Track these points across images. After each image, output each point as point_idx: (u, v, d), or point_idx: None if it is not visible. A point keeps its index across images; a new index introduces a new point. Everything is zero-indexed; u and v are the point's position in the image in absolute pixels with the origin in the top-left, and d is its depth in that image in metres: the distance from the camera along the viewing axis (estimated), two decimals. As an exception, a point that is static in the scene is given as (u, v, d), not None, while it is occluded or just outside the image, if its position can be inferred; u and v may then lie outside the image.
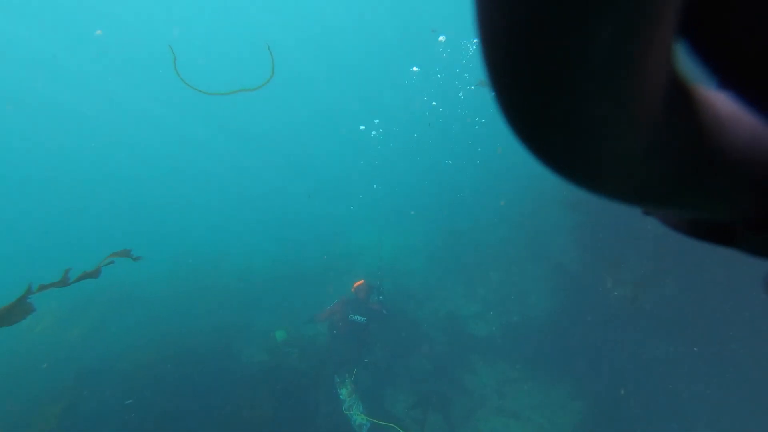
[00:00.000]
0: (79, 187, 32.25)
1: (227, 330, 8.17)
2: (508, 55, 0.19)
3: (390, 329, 8.24)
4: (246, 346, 7.88)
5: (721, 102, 0.28)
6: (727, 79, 0.28)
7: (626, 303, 5.71)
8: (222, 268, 11.37)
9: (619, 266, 6.17)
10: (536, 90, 0.20)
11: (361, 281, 6.82)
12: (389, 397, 7.15)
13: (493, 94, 0.24)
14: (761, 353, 4.96)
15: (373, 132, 32.83)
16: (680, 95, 0.25)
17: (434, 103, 28.65)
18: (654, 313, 5.65)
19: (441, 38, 22.44)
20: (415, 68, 29.10)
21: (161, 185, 34.20)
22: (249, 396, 6.09)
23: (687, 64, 0.28)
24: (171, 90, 26.60)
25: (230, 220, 22.53)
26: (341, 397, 6.44)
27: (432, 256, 12.01)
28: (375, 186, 31.29)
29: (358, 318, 6.50)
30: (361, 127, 32.50)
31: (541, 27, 0.18)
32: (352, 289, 6.77)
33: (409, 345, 8.21)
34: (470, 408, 6.73)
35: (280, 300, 9.82)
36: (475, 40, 18.10)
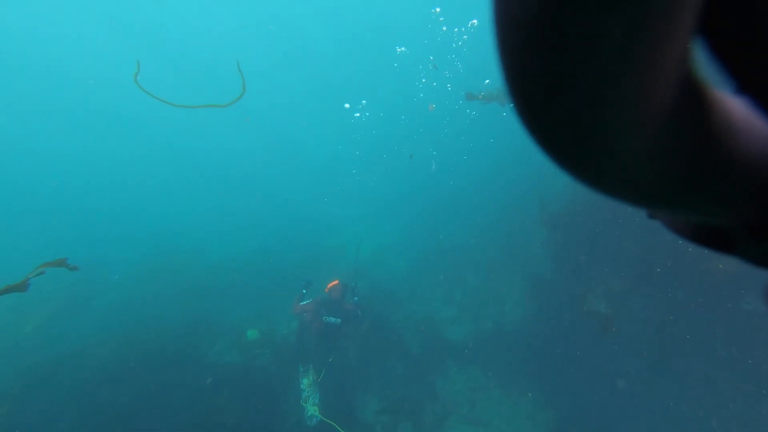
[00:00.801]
0: (49, 185, 30.52)
1: (196, 327, 7.89)
2: (520, 50, 0.20)
3: (364, 331, 8.16)
4: (215, 346, 7.63)
5: (735, 107, 0.28)
6: (745, 84, 0.27)
7: (598, 328, 5.75)
8: (196, 265, 10.97)
9: (594, 282, 6.25)
10: (547, 86, 0.21)
11: (336, 281, 6.60)
12: (360, 401, 7.08)
13: (506, 90, 0.23)
14: (731, 372, 5.12)
15: (357, 114, 30.84)
16: (693, 97, 0.25)
17: (424, 80, 27.54)
18: (626, 329, 5.74)
19: (436, 10, 21.68)
20: (402, 48, 27.55)
21: (136, 182, 32.39)
22: (214, 400, 5.88)
23: (704, 66, 0.26)
24: (147, 85, 25.43)
25: (206, 214, 21.61)
26: (301, 386, 6.36)
27: (412, 258, 11.97)
28: (354, 171, 30.57)
29: (333, 320, 6.33)
30: (346, 105, 30.46)
31: (553, 24, 0.18)
32: (326, 290, 6.54)
33: (384, 348, 8.15)
34: (441, 415, 6.73)
35: (255, 298, 9.56)
36: (473, 21, 17.91)
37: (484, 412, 6.69)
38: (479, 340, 8.27)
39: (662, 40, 0.19)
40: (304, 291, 6.67)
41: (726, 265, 5.09)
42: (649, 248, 5.66)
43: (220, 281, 10.04)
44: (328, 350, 6.83)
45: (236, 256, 11.67)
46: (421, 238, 13.15)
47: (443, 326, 8.91)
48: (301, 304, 6.49)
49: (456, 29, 21.01)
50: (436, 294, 10.20)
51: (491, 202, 13.04)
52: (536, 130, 0.24)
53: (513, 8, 0.19)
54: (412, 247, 12.76)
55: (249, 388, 6.47)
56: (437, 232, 13.09)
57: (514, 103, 0.24)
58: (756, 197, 0.30)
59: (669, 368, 5.47)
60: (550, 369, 6.74)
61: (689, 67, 0.24)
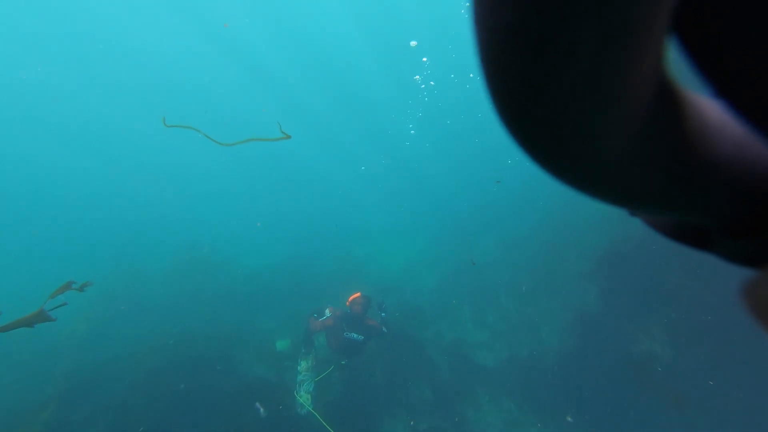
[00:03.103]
0: (79, 191, 30.51)
1: (229, 337, 7.93)
2: (498, 57, 0.21)
3: (391, 351, 7.93)
4: (246, 357, 7.62)
5: (710, 109, 0.29)
6: (721, 88, 0.27)
7: (671, 403, 5.08)
8: (230, 272, 11.13)
9: (649, 321, 5.74)
10: (523, 90, 0.21)
11: (357, 294, 6.24)
12: (387, 427, 6.85)
13: (487, 93, 0.24)
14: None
15: (417, 76, 24.05)
16: (668, 100, 0.26)
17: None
18: (684, 377, 5.21)
19: None
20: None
21: (173, 189, 32.31)
22: (239, 417, 5.84)
23: (682, 70, 0.27)
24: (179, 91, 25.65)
25: (240, 221, 21.41)
26: (299, 368, 6.19)
27: (443, 274, 11.63)
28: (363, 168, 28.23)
29: (355, 336, 5.98)
30: (413, 43, 23.52)
31: (529, 33, 0.19)
32: (347, 303, 6.21)
33: (411, 369, 7.89)
34: (472, 450, 6.40)
35: (286, 307, 9.53)
36: None
37: (519, 452, 6.30)
38: (513, 368, 7.86)
39: (635, 48, 0.20)
40: (315, 315, 6.42)
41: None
42: (715, 290, 5.12)
43: (253, 289, 10.13)
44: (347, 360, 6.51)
45: (269, 264, 11.77)
46: (452, 251, 12.79)
47: (474, 350, 8.55)
48: (321, 319, 6.21)
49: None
50: (467, 314, 9.83)
51: (530, 217, 12.51)
52: (517, 134, 0.25)
53: (488, 19, 0.19)
54: (442, 262, 12.42)
55: (275, 406, 6.39)
56: (470, 247, 12.69)
57: (493, 106, 0.24)
58: (730, 197, 0.31)
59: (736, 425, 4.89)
60: (591, 409, 6.25)
61: (663, 72, 0.24)
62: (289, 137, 2.20)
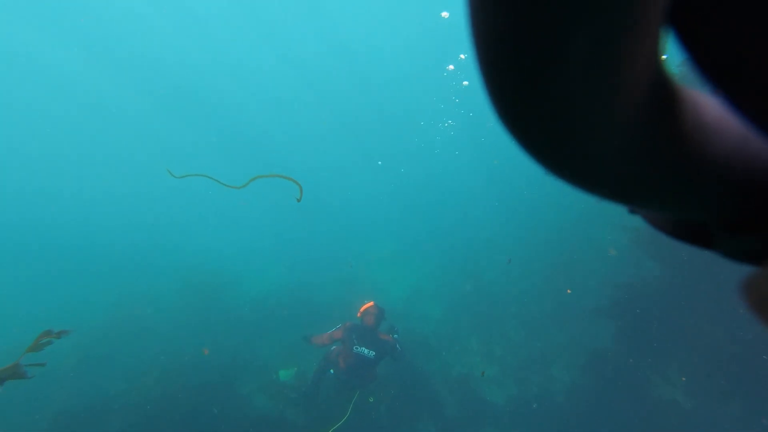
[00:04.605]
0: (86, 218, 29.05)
1: (230, 366, 7.74)
2: (493, 54, 0.21)
3: (395, 384, 7.65)
4: (247, 387, 7.40)
5: (708, 106, 0.28)
6: (719, 84, 0.27)
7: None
8: (233, 297, 11.02)
9: (667, 362, 5.47)
10: (518, 87, 0.21)
11: (370, 303, 5.60)
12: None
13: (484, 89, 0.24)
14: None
15: (451, 66, 20.82)
16: (664, 97, 0.26)
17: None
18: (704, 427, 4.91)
19: None
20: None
21: (175, 208, 31.38)
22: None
23: (682, 67, 0.33)
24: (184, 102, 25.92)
25: (245, 247, 20.84)
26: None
27: (450, 304, 11.36)
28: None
29: (365, 351, 5.28)
30: (444, 14, 20.87)
31: (520, 37, 0.19)
32: (358, 314, 5.61)
33: (417, 405, 7.59)
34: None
35: (292, 334, 9.32)
36: None
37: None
38: (523, 406, 7.52)
39: (630, 45, 0.20)
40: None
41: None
42: (739, 337, 4.89)
43: (257, 316, 9.97)
44: (355, 388, 5.76)
45: (274, 292, 11.62)
46: (459, 280, 12.55)
47: (482, 385, 8.23)
48: (330, 332, 5.66)
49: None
50: (474, 346, 9.53)
51: (539, 245, 12.29)
52: (514, 133, 0.25)
53: (482, 25, 0.20)
54: (451, 290, 12.16)
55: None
56: (478, 274, 12.46)
57: (491, 103, 0.24)
58: (729, 194, 0.30)
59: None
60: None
61: (659, 68, 0.24)
62: (300, 191, 2.16)
